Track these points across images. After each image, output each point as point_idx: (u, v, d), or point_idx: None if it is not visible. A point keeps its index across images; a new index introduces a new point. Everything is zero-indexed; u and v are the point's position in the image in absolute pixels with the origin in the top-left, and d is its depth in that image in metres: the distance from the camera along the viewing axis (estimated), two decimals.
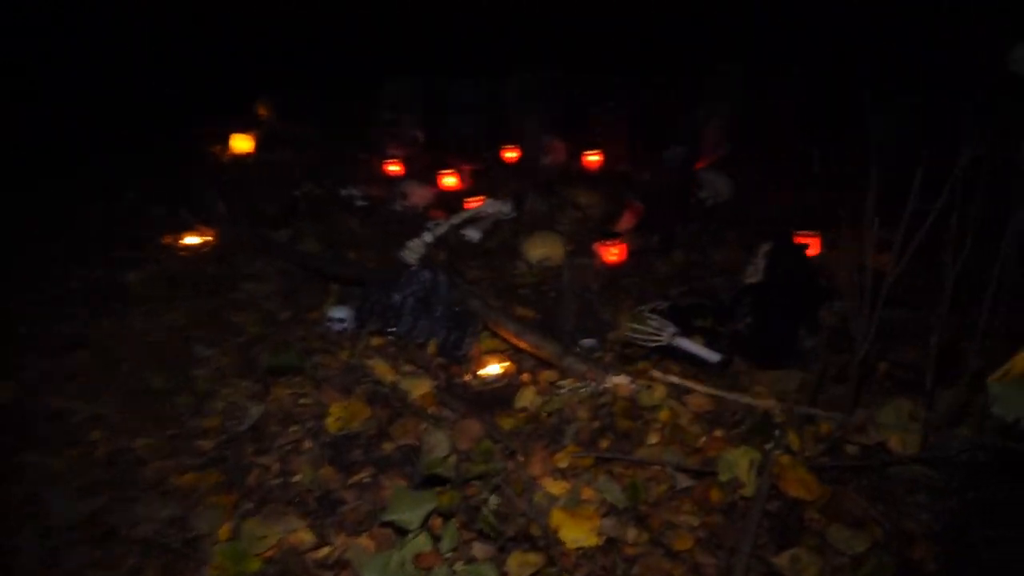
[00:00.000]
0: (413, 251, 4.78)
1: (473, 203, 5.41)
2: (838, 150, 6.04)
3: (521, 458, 2.68)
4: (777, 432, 2.53)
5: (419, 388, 3.15)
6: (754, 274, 3.46)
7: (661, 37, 7.18)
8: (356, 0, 8.12)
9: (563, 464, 2.61)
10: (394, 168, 6.61)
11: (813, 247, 4.36)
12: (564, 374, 3.22)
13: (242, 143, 6.69)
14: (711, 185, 5.27)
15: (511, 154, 6.73)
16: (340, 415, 3.04)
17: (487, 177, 6.27)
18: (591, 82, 6.45)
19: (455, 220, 5.16)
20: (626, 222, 4.70)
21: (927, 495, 2.36)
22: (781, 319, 3.25)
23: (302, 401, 3.17)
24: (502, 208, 5.28)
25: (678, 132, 5.87)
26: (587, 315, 3.49)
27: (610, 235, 4.46)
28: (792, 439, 2.54)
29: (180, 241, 4.95)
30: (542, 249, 4.46)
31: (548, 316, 3.95)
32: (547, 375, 3.26)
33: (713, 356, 3.18)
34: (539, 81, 6.86)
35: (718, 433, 2.75)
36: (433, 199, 5.82)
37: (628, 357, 3.33)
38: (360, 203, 5.89)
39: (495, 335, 3.54)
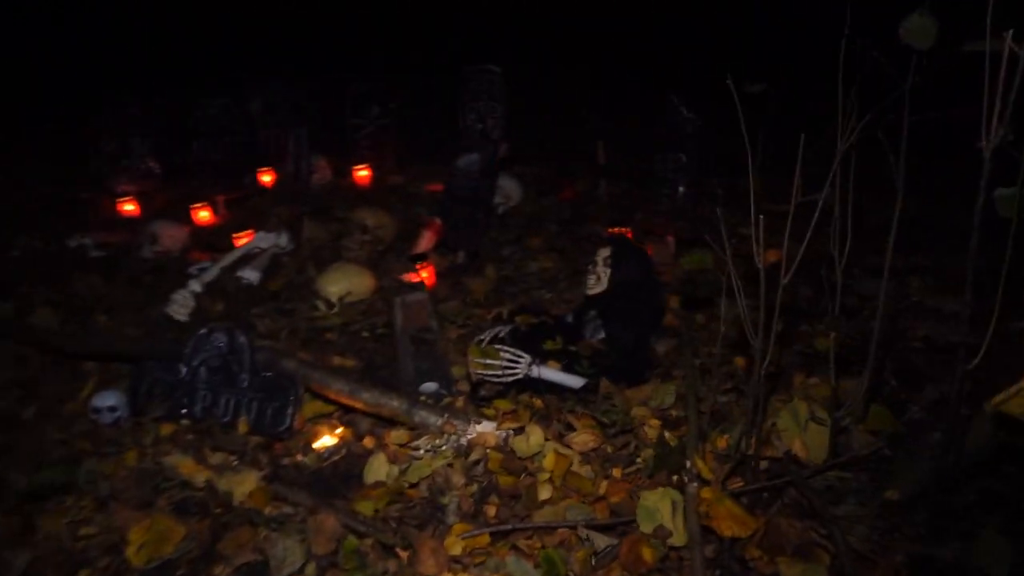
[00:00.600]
0: (181, 306, 4.01)
1: (242, 238, 4.69)
2: (620, 142, 6.12)
3: (403, 552, 2.18)
4: (687, 463, 2.27)
5: (243, 484, 2.53)
6: (597, 284, 3.20)
7: (421, 39, 6.81)
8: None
9: (456, 550, 2.16)
10: (129, 207, 5.64)
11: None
12: (414, 431, 2.76)
13: None
14: (501, 190, 5.00)
15: (267, 177, 6.03)
16: (144, 540, 2.34)
17: (248, 207, 5.54)
18: (350, 90, 5.92)
19: (225, 261, 4.43)
20: (426, 241, 4.28)
21: (852, 502, 2.23)
22: (637, 329, 3.03)
23: (85, 531, 2.41)
24: (277, 241, 4.63)
25: (462, 136, 5.57)
26: (422, 356, 3.03)
27: (416, 258, 4.01)
28: (700, 466, 2.29)
29: None
30: (343, 283, 3.91)
31: (370, 363, 3.43)
32: (394, 436, 2.77)
33: (577, 382, 2.88)
34: (292, 92, 6.22)
35: (616, 473, 2.45)
36: (189, 239, 5.00)
37: (483, 398, 2.93)
38: (96, 253, 4.91)
39: (317, 397, 2.98)
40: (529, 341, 3.06)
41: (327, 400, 2.96)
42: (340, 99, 6.15)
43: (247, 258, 4.54)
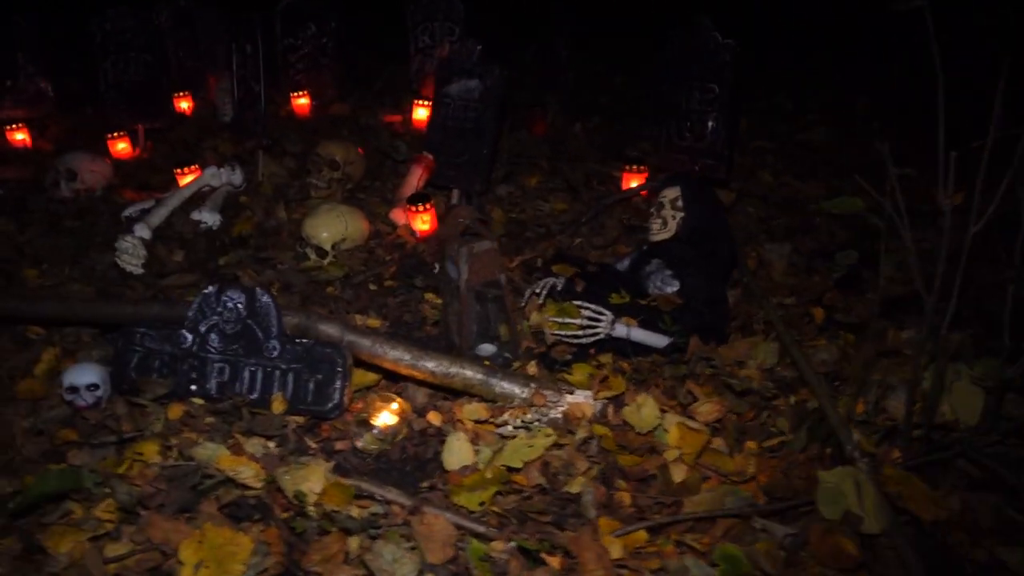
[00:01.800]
0: (132, 256, 3.35)
1: (188, 175, 4.00)
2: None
3: (551, 557, 1.81)
4: (845, 434, 2.00)
5: (312, 478, 2.04)
6: (663, 229, 2.85)
7: None
8: None
9: (616, 552, 1.81)
10: (20, 136, 4.75)
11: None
12: (493, 405, 2.35)
13: None
14: None
15: (185, 104, 5.24)
16: (201, 558, 1.85)
17: (171, 138, 4.77)
18: (282, 4, 5.17)
19: (173, 202, 3.75)
20: (417, 179, 3.77)
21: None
22: (716, 280, 2.72)
23: (113, 550, 1.88)
24: (230, 178, 3.97)
25: (413, 60, 5.00)
26: (483, 315, 2.60)
27: (416, 199, 3.51)
28: (861, 439, 2.04)
29: None
30: (336, 227, 3.36)
31: (397, 322, 2.97)
32: (468, 410, 2.35)
33: (662, 340, 2.55)
34: (207, 5, 5.40)
35: (751, 446, 2.16)
36: (113, 176, 4.23)
37: (555, 361, 2.55)
38: None
39: (361, 366, 2.51)
40: (591, 295, 2.69)
41: (370, 369, 2.50)
42: (267, 15, 5.38)
43: (196, 198, 3.87)
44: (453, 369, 2.36)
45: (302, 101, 5.18)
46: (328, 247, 3.34)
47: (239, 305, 2.46)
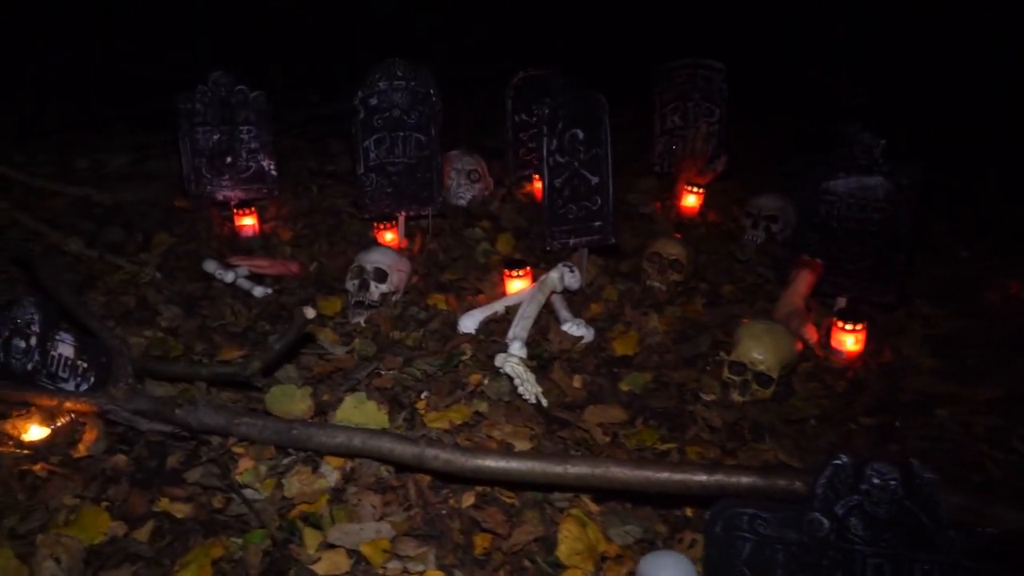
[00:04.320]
0: (528, 380, 2.80)
1: (518, 278, 3.48)
2: None
3: None
4: None
5: None
6: None
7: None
8: None
9: None
10: (249, 222, 4.17)
11: None
12: None
13: None
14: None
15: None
16: None
17: (438, 228, 4.21)
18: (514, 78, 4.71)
19: (531, 311, 3.21)
20: (805, 286, 3.31)
21: None
22: None
23: None
24: (570, 282, 3.45)
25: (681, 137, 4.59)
26: None
27: (847, 316, 3.04)
28: None
29: None
30: (783, 350, 2.84)
31: None
32: None
33: None
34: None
35: None
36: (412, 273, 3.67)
37: None
38: (260, 293, 3.55)
39: None
40: None
41: None
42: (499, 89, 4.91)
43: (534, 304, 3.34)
44: None
45: (539, 184, 4.68)
46: (775, 375, 2.83)
47: (891, 482, 1.93)
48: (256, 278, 3.69)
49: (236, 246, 4.03)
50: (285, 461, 2.39)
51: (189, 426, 2.48)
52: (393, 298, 3.45)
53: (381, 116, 4.03)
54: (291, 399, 2.56)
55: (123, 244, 3.99)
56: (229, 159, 4.35)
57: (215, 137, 4.31)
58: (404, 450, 2.25)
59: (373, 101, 4.02)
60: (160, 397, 2.63)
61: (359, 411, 2.55)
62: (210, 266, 3.73)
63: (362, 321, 3.35)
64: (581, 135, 3.55)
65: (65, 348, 2.72)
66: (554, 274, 3.38)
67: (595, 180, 3.55)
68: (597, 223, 3.57)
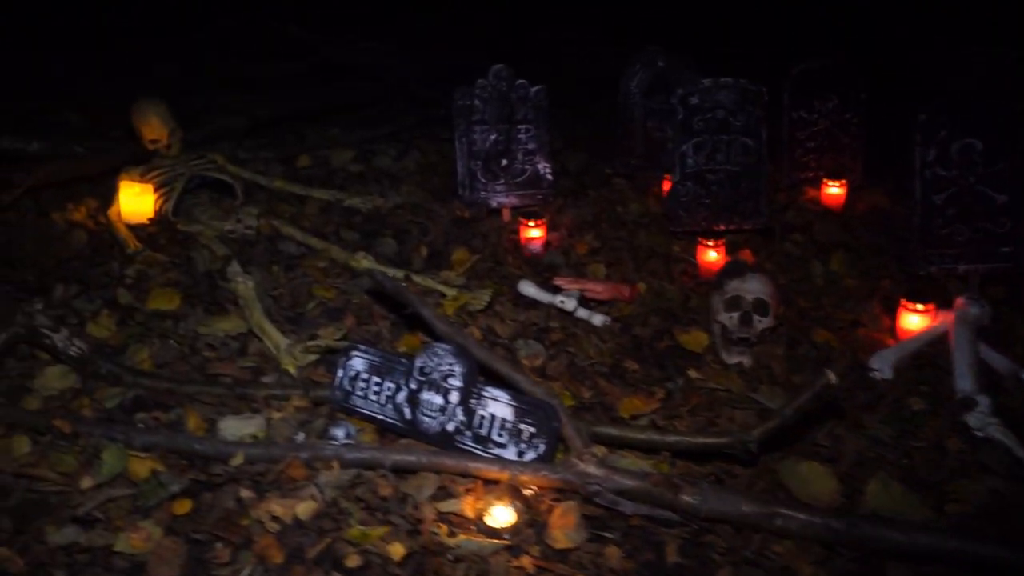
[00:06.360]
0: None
1: (919, 313, 3.00)
2: None
3: None
4: None
5: None
6: None
7: None
8: None
9: None
10: (536, 234, 3.70)
11: None
12: None
13: None
14: None
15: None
16: None
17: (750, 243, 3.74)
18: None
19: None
20: None
21: None
22: None
23: None
24: (981, 317, 2.98)
25: None
26: None
27: None
28: None
29: None
30: None
31: None
32: None
33: None
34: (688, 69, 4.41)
35: None
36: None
37: None
38: (600, 322, 3.06)
39: None
40: None
41: None
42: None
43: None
44: None
45: (835, 190, 4.20)
46: None
47: None
48: (584, 303, 3.24)
49: (537, 264, 3.57)
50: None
51: (697, 512, 2.05)
52: (773, 334, 3.00)
53: (703, 117, 3.56)
54: (817, 478, 2.11)
55: (409, 259, 3.55)
56: (505, 161, 3.90)
57: (492, 137, 3.86)
58: None
59: (694, 100, 3.55)
60: (635, 472, 2.19)
61: (887, 494, 2.11)
62: (528, 289, 3.29)
63: (744, 361, 2.90)
64: (979, 146, 3.07)
65: (498, 407, 2.28)
66: (974, 309, 2.92)
67: (1001, 199, 3.07)
68: (1005, 249, 3.10)
